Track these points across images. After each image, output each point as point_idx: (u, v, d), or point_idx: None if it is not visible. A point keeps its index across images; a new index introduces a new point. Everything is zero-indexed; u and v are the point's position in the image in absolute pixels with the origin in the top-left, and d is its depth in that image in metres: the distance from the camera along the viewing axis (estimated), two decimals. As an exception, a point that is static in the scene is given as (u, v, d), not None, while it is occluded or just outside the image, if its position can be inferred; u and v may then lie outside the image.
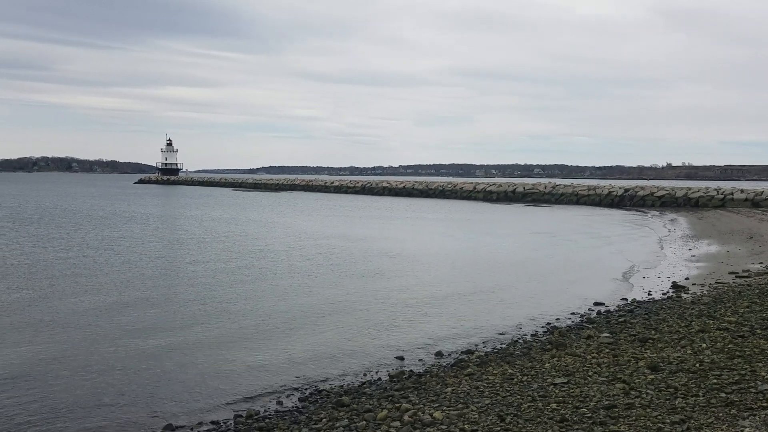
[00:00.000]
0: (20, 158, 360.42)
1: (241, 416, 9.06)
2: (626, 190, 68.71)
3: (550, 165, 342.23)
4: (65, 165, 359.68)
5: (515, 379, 9.72)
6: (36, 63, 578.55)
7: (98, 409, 9.22)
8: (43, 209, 54.07)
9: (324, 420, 8.50)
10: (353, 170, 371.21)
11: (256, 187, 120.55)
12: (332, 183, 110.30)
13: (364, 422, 8.22)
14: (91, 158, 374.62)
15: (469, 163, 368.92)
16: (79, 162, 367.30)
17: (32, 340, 12.56)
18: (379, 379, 10.64)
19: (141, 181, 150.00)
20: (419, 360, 11.75)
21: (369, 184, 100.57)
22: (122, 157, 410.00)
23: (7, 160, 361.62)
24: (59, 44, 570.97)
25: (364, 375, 10.91)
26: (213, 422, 8.89)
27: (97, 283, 18.74)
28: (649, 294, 17.71)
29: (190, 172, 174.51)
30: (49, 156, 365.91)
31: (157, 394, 9.89)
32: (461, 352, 12.12)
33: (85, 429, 8.57)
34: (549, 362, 10.61)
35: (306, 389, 10.17)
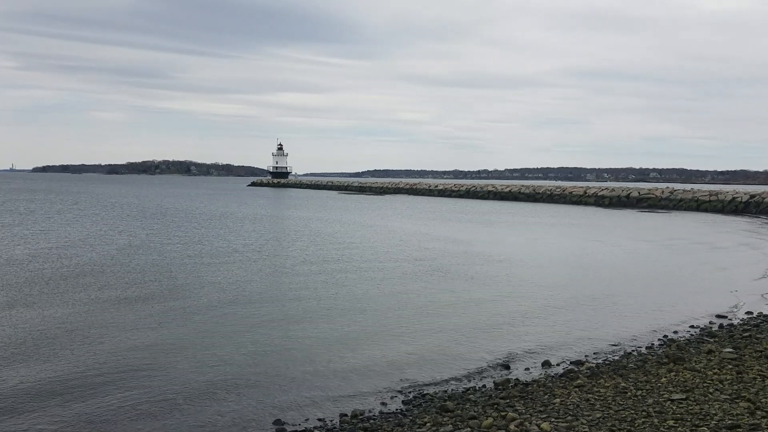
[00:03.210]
0: (144, 161, 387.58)
1: (346, 415, 9.18)
2: (752, 196, 64.19)
3: (667, 169, 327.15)
4: (184, 168, 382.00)
5: (629, 393, 9.29)
6: (158, 71, 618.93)
7: (212, 401, 9.64)
8: (164, 209, 57.50)
9: (428, 424, 8.45)
10: (457, 174, 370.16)
11: (361, 190, 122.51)
12: (436, 186, 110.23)
13: (469, 429, 8.10)
14: (208, 162, 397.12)
15: (579, 166, 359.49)
16: (197, 165, 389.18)
17: (154, 332, 13.33)
18: (484, 386, 10.47)
19: (253, 184, 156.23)
20: (525, 369, 11.47)
21: (473, 188, 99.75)
22: (236, 161, 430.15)
23: (132, 163, 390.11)
24: (179, 53, 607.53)
25: (469, 381, 10.78)
26: (319, 419, 9.06)
27: (213, 279, 19.64)
28: (778, 308, 16.45)
29: (299, 175, 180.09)
30: (170, 159, 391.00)
31: (266, 389, 10.21)
32: (570, 363, 11.73)
33: (199, 419, 8.97)
34: (666, 377, 10.07)
35: (410, 392, 10.17)
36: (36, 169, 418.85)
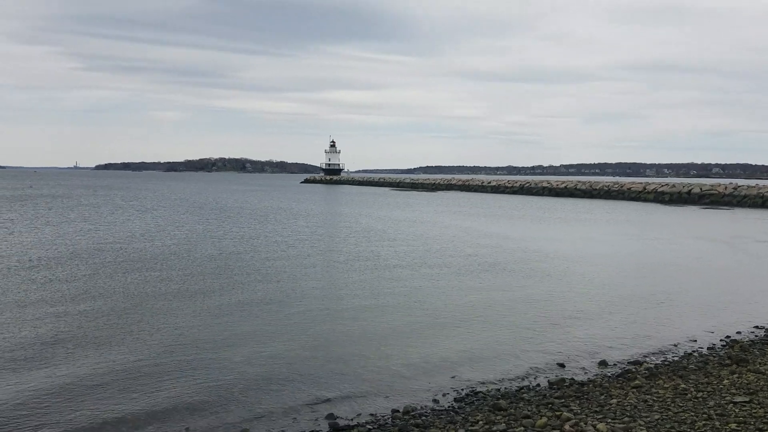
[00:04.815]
0: (201, 159, 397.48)
1: (398, 411, 9.19)
2: (822, 192, 61.40)
3: (731, 164, 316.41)
4: (240, 165, 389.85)
5: (689, 395, 9.02)
6: (215, 71, 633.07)
7: (267, 394, 9.80)
8: (221, 205, 58.73)
9: (480, 422, 8.39)
10: (511, 170, 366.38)
11: (413, 186, 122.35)
12: (489, 183, 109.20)
13: (522, 428, 8.01)
14: (263, 159, 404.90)
15: (638, 162, 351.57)
16: (252, 163, 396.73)
17: (211, 324, 13.62)
18: (538, 385, 10.33)
19: (306, 181, 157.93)
20: (581, 368, 11.27)
21: (528, 184, 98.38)
22: (290, 158, 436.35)
23: (189, 160, 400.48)
24: (236, 53, 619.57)
25: (522, 380, 10.65)
26: (371, 414, 9.11)
27: (267, 274, 19.95)
28: None
29: (351, 172, 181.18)
30: (226, 157, 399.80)
31: (319, 383, 10.32)
32: (628, 363, 11.47)
33: (254, 412, 9.14)
34: (728, 379, 9.74)
35: (462, 390, 10.12)
36: (98, 167, 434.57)
